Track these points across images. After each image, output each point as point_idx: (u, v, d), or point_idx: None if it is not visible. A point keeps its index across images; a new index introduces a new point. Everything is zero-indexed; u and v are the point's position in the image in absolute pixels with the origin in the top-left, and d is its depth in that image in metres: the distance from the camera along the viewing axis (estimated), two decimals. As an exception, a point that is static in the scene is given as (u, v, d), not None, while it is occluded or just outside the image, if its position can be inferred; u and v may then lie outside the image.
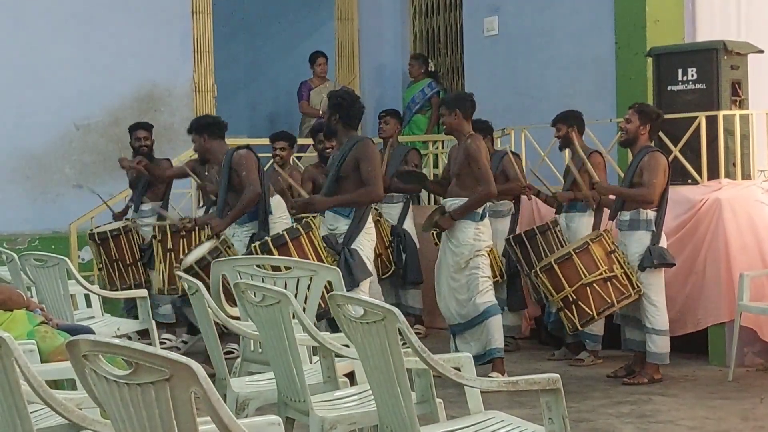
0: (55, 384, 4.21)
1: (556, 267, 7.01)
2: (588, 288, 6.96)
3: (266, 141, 8.91)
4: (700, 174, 7.78)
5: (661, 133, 7.58)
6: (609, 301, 6.94)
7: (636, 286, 6.94)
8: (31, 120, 10.20)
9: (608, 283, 6.95)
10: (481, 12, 10.71)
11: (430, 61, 11.64)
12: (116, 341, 2.46)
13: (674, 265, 6.95)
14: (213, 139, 7.35)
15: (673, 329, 7.35)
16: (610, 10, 9.41)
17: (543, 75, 9.98)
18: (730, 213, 7.32)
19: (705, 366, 7.44)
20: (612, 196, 7.29)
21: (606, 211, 7.48)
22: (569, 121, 7.72)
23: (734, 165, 7.84)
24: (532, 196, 8.06)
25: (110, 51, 10.51)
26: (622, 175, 8.41)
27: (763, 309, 7.00)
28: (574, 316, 7.00)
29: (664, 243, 6.94)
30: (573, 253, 7.00)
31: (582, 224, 7.66)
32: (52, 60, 10.29)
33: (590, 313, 6.96)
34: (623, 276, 6.95)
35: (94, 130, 10.51)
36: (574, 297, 6.98)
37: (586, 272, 6.97)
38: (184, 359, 2.33)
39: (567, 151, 8.13)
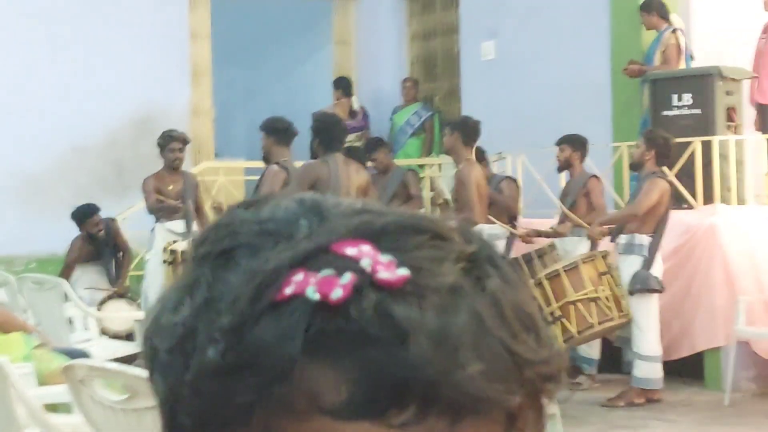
0: (52, 407, 4.20)
1: (545, 282, 7.04)
2: (572, 306, 6.97)
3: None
4: (695, 199, 7.80)
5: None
6: (590, 321, 6.95)
7: (624, 310, 6.96)
8: (29, 142, 10.21)
9: (592, 303, 6.97)
10: (479, 36, 10.76)
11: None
12: (114, 366, 2.47)
13: (658, 291, 6.92)
14: (277, 145, 7.38)
15: (669, 353, 7.36)
16: (607, 35, 9.46)
17: (540, 99, 10.02)
18: (725, 238, 7.33)
19: (701, 391, 7.43)
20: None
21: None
22: (574, 145, 7.76)
23: (729, 190, 7.86)
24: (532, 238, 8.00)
25: (108, 73, 10.54)
26: (617, 199, 8.45)
27: (760, 333, 7.01)
28: (558, 332, 7.02)
29: (659, 268, 6.95)
30: (561, 270, 7.03)
31: (579, 248, 7.67)
32: (50, 82, 10.31)
33: (572, 331, 6.97)
34: (609, 298, 6.97)
35: (92, 152, 10.53)
36: (559, 313, 7.00)
37: (572, 290, 6.99)
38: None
39: (563, 174, 8.17)
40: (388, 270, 0.58)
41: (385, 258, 0.59)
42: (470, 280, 0.60)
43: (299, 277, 0.58)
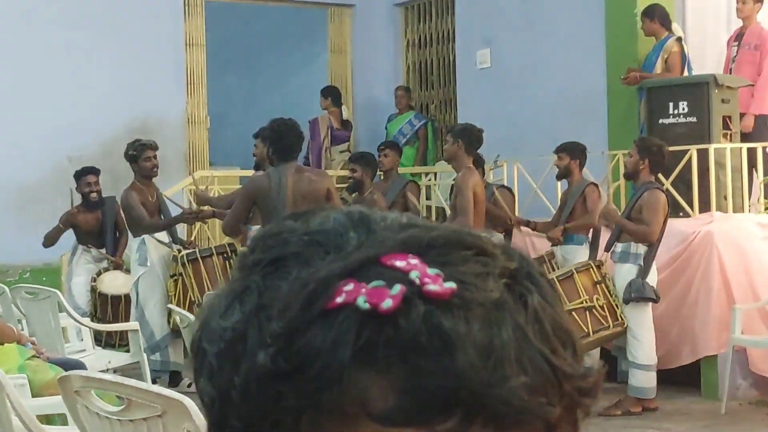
0: (47, 419, 4.18)
1: None
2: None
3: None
4: (691, 207, 7.80)
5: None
6: (585, 330, 6.94)
7: (619, 319, 6.95)
8: (24, 152, 10.19)
9: (587, 312, 6.96)
10: (474, 45, 10.77)
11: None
12: (109, 377, 2.45)
13: (654, 300, 6.89)
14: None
15: (666, 362, 7.34)
16: (602, 43, 9.47)
17: (535, 107, 10.02)
18: (721, 246, 7.32)
19: (698, 399, 7.41)
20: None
21: (602, 242, 7.50)
22: (572, 153, 7.75)
23: (725, 198, 7.86)
24: (526, 228, 8.07)
25: (103, 83, 10.53)
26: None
27: (755, 342, 7.00)
28: None
29: (654, 277, 6.94)
30: (556, 280, 7.01)
31: (578, 256, 7.65)
32: (45, 92, 10.30)
33: None
34: (603, 307, 6.95)
35: (87, 162, 10.49)
36: None
37: (567, 300, 6.97)
38: (177, 395, 2.32)
39: (560, 183, 8.16)
40: (436, 283, 0.60)
41: (432, 271, 0.61)
42: (513, 295, 0.62)
43: (350, 286, 0.60)
